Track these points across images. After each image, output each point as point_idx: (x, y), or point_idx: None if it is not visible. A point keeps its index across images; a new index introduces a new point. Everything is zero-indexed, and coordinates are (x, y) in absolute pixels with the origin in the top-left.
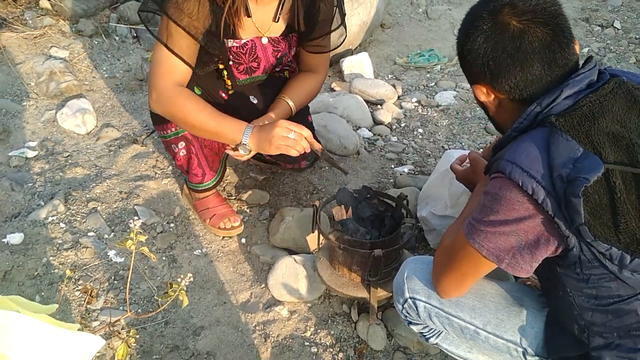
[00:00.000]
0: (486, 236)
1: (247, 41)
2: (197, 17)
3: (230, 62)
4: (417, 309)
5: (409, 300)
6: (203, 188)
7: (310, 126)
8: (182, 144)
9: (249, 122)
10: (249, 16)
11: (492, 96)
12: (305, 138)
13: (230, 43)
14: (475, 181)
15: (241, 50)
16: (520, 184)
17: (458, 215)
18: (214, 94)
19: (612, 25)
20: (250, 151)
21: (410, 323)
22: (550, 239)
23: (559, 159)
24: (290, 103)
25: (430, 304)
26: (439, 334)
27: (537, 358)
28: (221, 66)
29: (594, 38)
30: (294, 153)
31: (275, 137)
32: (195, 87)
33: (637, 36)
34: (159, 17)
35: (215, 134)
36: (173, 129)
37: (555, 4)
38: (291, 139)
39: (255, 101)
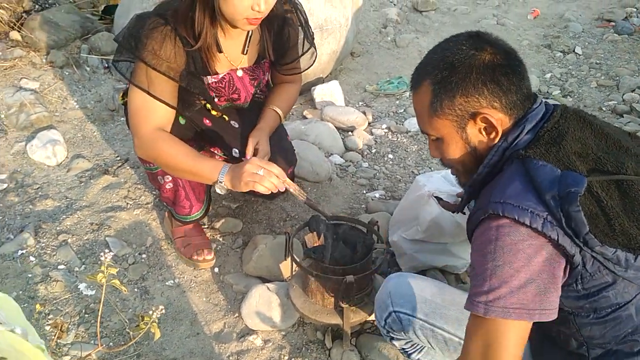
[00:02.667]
0: (506, 299)
1: (224, 75)
2: (174, 60)
3: (214, 98)
4: (401, 323)
5: (393, 314)
6: (191, 219)
7: (290, 146)
8: (168, 177)
9: (234, 145)
10: (220, 51)
11: (483, 126)
12: (276, 175)
13: (209, 79)
14: None
15: (220, 84)
16: (517, 218)
17: (429, 239)
18: (197, 122)
19: (574, 51)
20: (227, 189)
21: (392, 339)
22: (560, 266)
23: (544, 182)
24: (278, 110)
25: (414, 317)
26: (422, 349)
27: None
28: (203, 102)
29: (556, 64)
30: (261, 189)
31: (245, 173)
32: (180, 117)
33: (597, 61)
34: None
35: (194, 175)
36: None
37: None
38: (259, 175)
39: (236, 125)
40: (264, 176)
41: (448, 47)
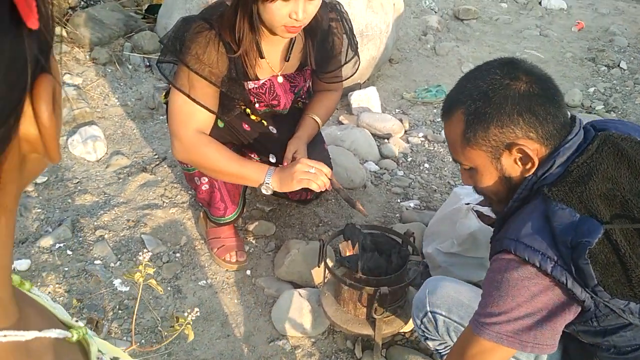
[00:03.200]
0: (501, 326)
1: (265, 81)
2: (216, 65)
3: (254, 104)
4: (436, 323)
5: (429, 314)
6: (225, 221)
7: (327, 154)
8: (205, 179)
9: (271, 151)
10: (262, 57)
11: (521, 156)
12: (325, 174)
13: (250, 85)
14: None
15: (260, 90)
16: (527, 259)
17: (464, 253)
18: (236, 127)
19: (619, 65)
20: (273, 191)
21: (426, 339)
22: (567, 308)
23: (559, 227)
24: (317, 119)
25: (449, 319)
26: None
27: None
28: (243, 107)
29: (600, 78)
30: (314, 187)
31: (297, 172)
32: (218, 121)
33: None
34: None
35: (239, 178)
36: None
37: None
38: (312, 174)
39: (274, 131)
40: (317, 174)
41: (481, 76)
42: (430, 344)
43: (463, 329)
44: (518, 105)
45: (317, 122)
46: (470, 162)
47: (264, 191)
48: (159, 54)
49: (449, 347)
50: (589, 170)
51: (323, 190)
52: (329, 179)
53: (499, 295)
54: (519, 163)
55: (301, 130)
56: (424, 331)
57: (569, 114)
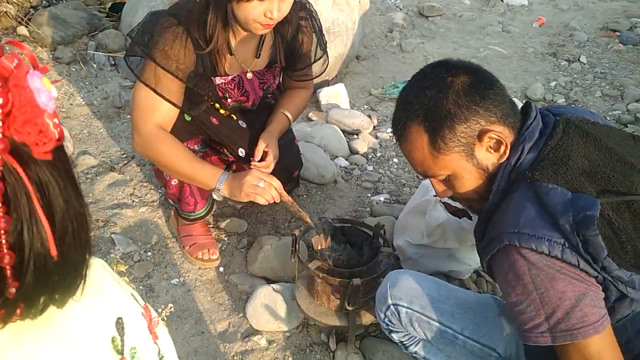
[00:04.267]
0: (566, 322)
1: (234, 76)
2: (183, 61)
3: (226, 99)
4: (399, 315)
5: (392, 307)
6: (195, 217)
7: (297, 150)
8: None
9: (241, 145)
10: (231, 54)
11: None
12: (275, 188)
13: (218, 80)
14: None
15: (229, 85)
16: (535, 248)
17: (434, 244)
18: (204, 121)
19: (579, 59)
20: (224, 197)
21: (391, 332)
22: (590, 283)
23: (557, 207)
24: (288, 114)
25: (411, 309)
26: (419, 342)
27: None
28: (211, 101)
29: (561, 72)
30: (261, 201)
31: (246, 184)
32: (185, 114)
33: (602, 71)
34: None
35: (192, 179)
36: None
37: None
38: (260, 188)
39: (244, 125)
40: (265, 188)
41: (422, 84)
42: (395, 336)
43: (426, 318)
44: (470, 96)
45: (288, 117)
46: (446, 169)
47: (215, 196)
48: (127, 48)
49: (412, 339)
50: (565, 152)
51: (271, 203)
52: (279, 192)
53: (540, 293)
54: (492, 150)
55: (272, 125)
56: (387, 324)
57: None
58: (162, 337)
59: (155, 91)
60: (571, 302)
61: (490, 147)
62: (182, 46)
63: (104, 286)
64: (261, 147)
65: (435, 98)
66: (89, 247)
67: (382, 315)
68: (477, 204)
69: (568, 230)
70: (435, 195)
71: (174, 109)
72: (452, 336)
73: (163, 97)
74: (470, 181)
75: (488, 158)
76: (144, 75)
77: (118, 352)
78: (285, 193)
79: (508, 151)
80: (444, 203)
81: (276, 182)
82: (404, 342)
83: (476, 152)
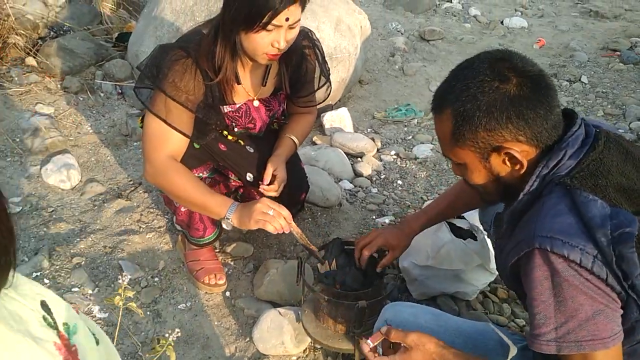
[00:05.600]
0: (576, 333)
1: (241, 105)
2: (193, 92)
3: (233, 127)
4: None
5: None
6: (204, 242)
7: (303, 173)
8: None
9: (249, 170)
10: (239, 83)
11: (509, 157)
12: (284, 218)
13: (226, 109)
14: None
15: (237, 114)
16: (567, 255)
17: (439, 265)
18: (212, 148)
19: (580, 80)
20: (233, 226)
21: None
22: (612, 299)
23: (595, 219)
24: (294, 139)
25: None
26: None
27: None
28: (219, 129)
29: (562, 93)
30: (270, 229)
31: (255, 212)
32: (194, 143)
33: (603, 90)
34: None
35: (203, 208)
36: None
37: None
38: (270, 215)
39: (252, 150)
40: (274, 217)
41: (471, 75)
42: None
43: None
44: (507, 110)
45: (294, 142)
46: (459, 159)
47: (224, 225)
48: (136, 80)
49: None
50: (605, 166)
51: (280, 232)
52: (288, 222)
53: (557, 302)
54: (508, 163)
55: (280, 149)
56: None
57: (560, 109)
58: (85, 318)
59: (166, 122)
60: (586, 315)
61: (506, 160)
62: (192, 78)
63: (17, 280)
64: (270, 170)
65: (474, 95)
66: (13, 236)
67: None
68: (488, 197)
69: (604, 243)
70: None
71: (185, 139)
72: None
73: (174, 128)
74: (480, 179)
75: (502, 168)
76: (155, 107)
77: (52, 327)
78: (295, 225)
79: (523, 170)
80: (449, 224)
81: (285, 212)
82: None
83: (491, 159)
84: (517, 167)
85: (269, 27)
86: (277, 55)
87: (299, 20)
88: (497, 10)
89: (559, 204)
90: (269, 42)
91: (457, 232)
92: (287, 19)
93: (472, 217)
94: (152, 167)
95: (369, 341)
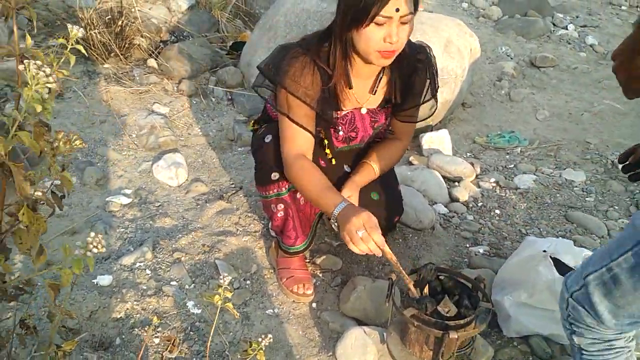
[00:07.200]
0: None
1: (347, 112)
2: (311, 87)
3: (338, 132)
4: (588, 295)
5: (569, 299)
6: (294, 250)
7: (399, 195)
8: (281, 206)
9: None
10: (350, 87)
11: None
12: (375, 242)
13: (333, 115)
14: None
15: (341, 121)
16: None
17: (537, 304)
18: (314, 162)
19: None
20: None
21: (573, 333)
22: None
23: None
24: (376, 168)
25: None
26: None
27: None
28: (322, 135)
29: None
30: (353, 249)
31: (351, 224)
32: None
33: None
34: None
35: (317, 203)
36: (274, 191)
37: None
38: (357, 236)
39: (348, 170)
40: (362, 238)
41: None
42: (577, 340)
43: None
44: None
45: (375, 172)
46: None
47: (333, 226)
48: (256, 78)
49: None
50: None
51: (366, 254)
52: (381, 249)
53: None
54: None
55: (358, 176)
56: (571, 323)
57: None
58: None
59: (289, 117)
60: None
61: None
62: (311, 74)
63: None
64: (345, 194)
65: None
66: None
67: (565, 314)
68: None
69: None
70: (544, 251)
71: (309, 136)
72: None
73: (296, 123)
74: None
75: None
76: (279, 104)
77: None
78: (389, 250)
79: None
80: (553, 259)
81: (378, 237)
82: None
83: None
84: None
85: (380, 19)
86: (391, 54)
87: (411, 15)
88: (616, 40)
89: None
90: (380, 37)
91: (561, 268)
92: (397, 10)
93: (578, 256)
94: (284, 164)
95: None
